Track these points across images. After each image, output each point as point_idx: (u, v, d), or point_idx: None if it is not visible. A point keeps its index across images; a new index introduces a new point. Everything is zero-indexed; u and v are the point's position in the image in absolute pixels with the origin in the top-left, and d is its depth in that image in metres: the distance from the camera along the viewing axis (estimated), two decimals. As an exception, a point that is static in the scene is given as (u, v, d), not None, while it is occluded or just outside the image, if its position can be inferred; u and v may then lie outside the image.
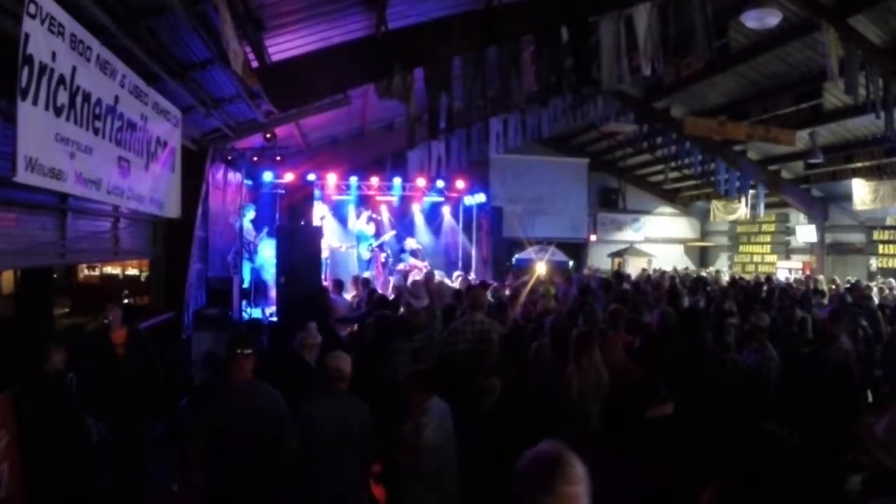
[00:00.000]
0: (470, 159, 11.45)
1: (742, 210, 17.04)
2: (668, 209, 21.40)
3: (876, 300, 9.17)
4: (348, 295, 9.73)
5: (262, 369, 3.67)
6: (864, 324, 6.87)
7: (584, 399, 4.27)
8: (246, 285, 11.32)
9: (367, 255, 13.75)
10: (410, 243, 14.09)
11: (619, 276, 11.72)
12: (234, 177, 11.35)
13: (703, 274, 15.31)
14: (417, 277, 10.14)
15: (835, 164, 14.30)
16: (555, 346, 4.71)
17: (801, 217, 17.11)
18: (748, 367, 4.99)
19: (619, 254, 19.76)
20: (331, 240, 13.50)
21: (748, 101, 13.54)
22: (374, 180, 14.15)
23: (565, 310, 6.14)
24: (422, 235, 15.15)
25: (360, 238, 13.93)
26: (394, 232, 14.28)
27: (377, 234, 14.01)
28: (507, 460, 1.71)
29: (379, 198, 14.54)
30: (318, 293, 8.37)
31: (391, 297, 8.33)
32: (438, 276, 11.61)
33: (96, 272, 13.40)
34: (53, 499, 3.77)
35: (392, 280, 11.03)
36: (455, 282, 10.68)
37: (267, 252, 12.27)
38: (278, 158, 10.82)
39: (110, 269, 13.46)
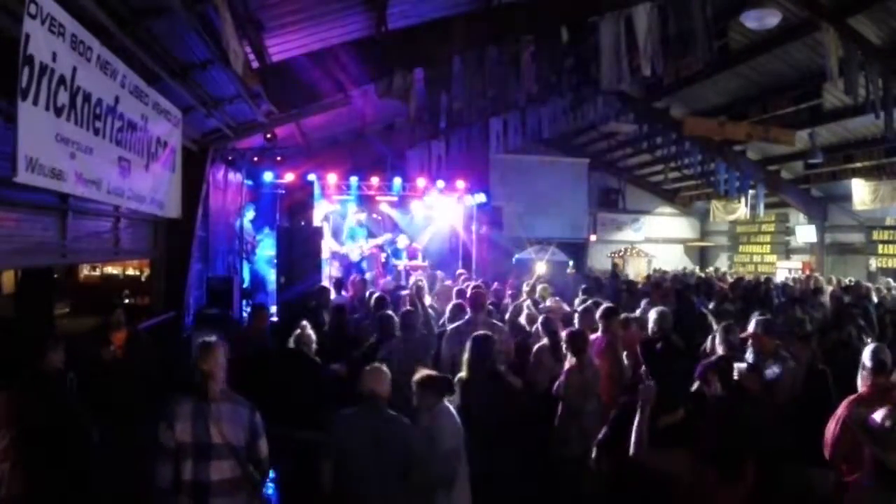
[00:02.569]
0: (470, 159, 11.46)
1: (742, 210, 17.05)
2: (668, 209, 21.39)
3: (875, 300, 9.18)
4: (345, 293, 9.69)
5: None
6: (862, 323, 6.88)
7: (584, 394, 4.36)
8: (246, 285, 11.31)
9: (357, 255, 13.66)
10: (404, 241, 14.05)
11: (616, 275, 11.75)
12: (235, 177, 11.34)
13: (703, 275, 15.29)
14: (421, 278, 10.11)
15: (834, 164, 14.30)
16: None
17: (801, 217, 17.11)
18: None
19: (618, 254, 19.77)
20: (331, 240, 13.47)
21: (748, 101, 13.54)
22: (374, 180, 14.12)
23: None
24: (422, 235, 15.11)
25: (356, 238, 13.90)
26: (389, 235, 14.25)
27: (375, 235, 13.98)
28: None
29: (379, 198, 14.51)
30: (317, 292, 8.36)
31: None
32: (440, 276, 11.55)
33: (97, 272, 13.37)
34: (53, 499, 3.77)
35: (381, 282, 10.94)
36: (458, 281, 10.65)
37: (267, 252, 12.26)
38: (278, 158, 10.82)
39: (111, 270, 13.42)
